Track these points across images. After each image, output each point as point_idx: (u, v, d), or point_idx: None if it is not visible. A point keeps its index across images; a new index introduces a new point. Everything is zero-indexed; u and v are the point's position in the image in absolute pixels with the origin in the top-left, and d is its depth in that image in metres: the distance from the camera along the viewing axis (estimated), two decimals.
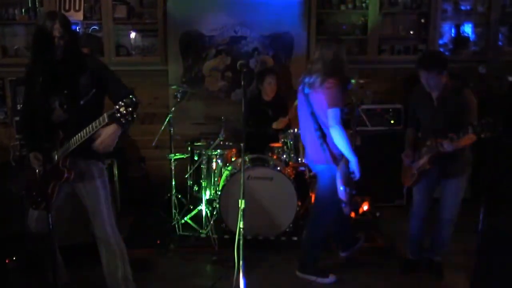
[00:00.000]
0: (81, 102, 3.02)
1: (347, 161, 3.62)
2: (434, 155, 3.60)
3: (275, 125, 5.11)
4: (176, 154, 4.85)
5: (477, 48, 5.99)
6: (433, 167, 3.66)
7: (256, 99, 5.25)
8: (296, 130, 4.73)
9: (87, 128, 2.89)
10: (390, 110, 5.47)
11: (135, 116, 2.79)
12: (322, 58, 3.62)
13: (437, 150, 3.53)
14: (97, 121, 2.85)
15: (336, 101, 3.51)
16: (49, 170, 3.04)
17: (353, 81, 4.24)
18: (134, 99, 2.78)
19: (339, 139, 3.53)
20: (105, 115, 2.81)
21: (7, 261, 3.69)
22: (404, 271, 3.99)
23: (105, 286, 3.34)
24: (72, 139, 2.97)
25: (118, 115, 2.76)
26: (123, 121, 2.78)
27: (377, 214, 5.06)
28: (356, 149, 4.86)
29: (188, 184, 4.98)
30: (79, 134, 2.94)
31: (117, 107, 2.76)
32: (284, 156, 4.79)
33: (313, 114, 3.68)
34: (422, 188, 3.84)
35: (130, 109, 2.75)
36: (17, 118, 5.02)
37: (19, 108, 5.16)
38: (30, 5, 5.33)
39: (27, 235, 3.35)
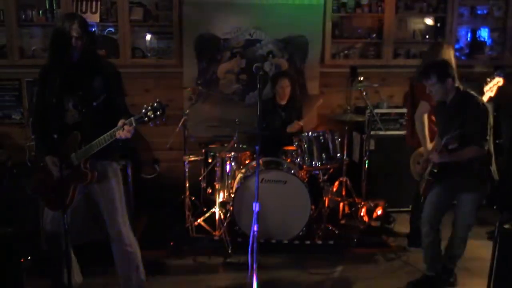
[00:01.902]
0: (94, 104, 3.04)
1: None
2: (435, 165, 3.56)
3: (289, 129, 5.11)
4: (190, 156, 4.86)
5: (493, 53, 5.95)
6: (433, 179, 3.61)
7: (270, 102, 5.25)
8: (309, 133, 4.73)
9: (112, 132, 2.89)
10: (405, 114, 5.41)
11: (164, 120, 2.82)
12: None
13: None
14: (123, 124, 2.85)
15: None
16: (70, 173, 3.06)
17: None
18: (162, 103, 2.79)
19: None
20: (132, 119, 2.82)
21: (22, 260, 3.71)
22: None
23: (118, 286, 3.36)
24: (95, 142, 2.97)
25: (146, 119, 2.78)
26: (151, 125, 2.81)
27: (391, 218, 5.03)
28: (370, 153, 4.92)
29: (202, 186, 4.99)
30: (103, 137, 2.93)
31: (144, 111, 2.78)
32: (298, 159, 4.77)
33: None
34: (430, 199, 3.72)
35: (159, 113, 2.77)
36: None
37: None
38: (47, 7, 5.38)
39: (42, 234, 3.38)
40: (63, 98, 3.04)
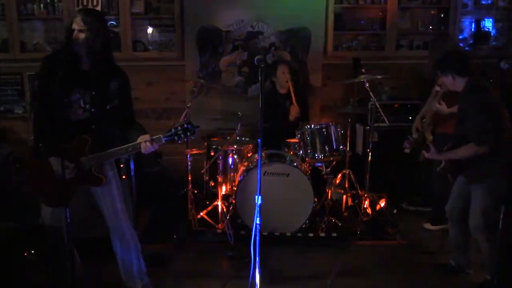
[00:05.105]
0: (107, 107, 3.04)
1: None
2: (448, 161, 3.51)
3: (291, 117, 5.12)
4: (193, 150, 4.85)
5: (498, 44, 5.90)
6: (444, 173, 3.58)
7: (271, 92, 5.23)
8: (312, 125, 4.71)
9: (135, 144, 2.93)
10: (408, 106, 5.40)
11: (193, 138, 2.93)
12: None
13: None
14: (151, 140, 2.89)
15: None
16: (77, 175, 3.02)
17: None
18: (194, 125, 2.85)
19: None
20: (161, 136, 2.86)
21: (25, 254, 3.72)
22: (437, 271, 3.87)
23: (120, 279, 3.36)
24: (114, 150, 2.98)
25: (176, 138, 2.81)
26: (179, 142, 2.88)
27: (394, 211, 5.01)
28: (373, 145, 4.89)
29: (204, 179, 4.98)
30: (124, 148, 2.96)
31: (174, 130, 2.83)
32: (301, 152, 4.75)
33: None
34: (454, 189, 3.67)
35: (189, 133, 2.83)
36: None
37: None
38: (48, 0, 5.38)
39: (45, 228, 3.37)
40: (69, 94, 2.98)
